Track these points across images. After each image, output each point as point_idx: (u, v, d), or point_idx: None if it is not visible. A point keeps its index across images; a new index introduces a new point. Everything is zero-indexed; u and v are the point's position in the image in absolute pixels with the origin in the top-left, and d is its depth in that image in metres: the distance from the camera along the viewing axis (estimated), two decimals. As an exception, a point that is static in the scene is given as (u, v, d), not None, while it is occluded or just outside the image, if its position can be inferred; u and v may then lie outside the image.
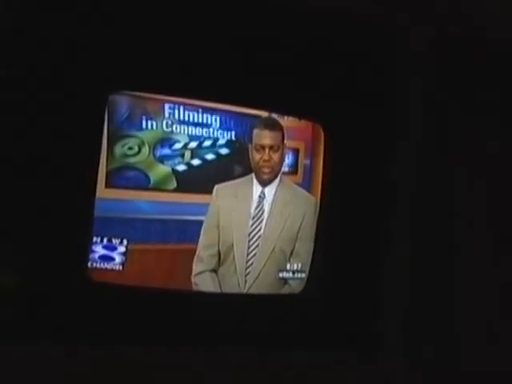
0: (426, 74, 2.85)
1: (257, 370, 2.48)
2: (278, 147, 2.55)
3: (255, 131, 2.53)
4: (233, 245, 2.52)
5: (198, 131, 2.45)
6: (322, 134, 2.62)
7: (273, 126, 2.56)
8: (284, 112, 2.58)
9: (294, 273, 2.58)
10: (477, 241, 2.83)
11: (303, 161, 2.64)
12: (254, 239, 2.53)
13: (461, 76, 2.85)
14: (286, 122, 2.60)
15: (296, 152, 2.63)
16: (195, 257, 2.47)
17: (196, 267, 2.47)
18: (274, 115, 2.58)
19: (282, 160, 2.58)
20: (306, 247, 2.61)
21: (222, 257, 2.52)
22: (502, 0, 2.62)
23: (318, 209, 2.62)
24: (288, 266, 2.57)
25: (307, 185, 2.64)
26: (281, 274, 2.56)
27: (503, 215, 2.85)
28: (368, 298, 2.76)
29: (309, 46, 2.63)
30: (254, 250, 2.53)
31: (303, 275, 2.59)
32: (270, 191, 2.57)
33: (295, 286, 2.60)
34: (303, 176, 2.63)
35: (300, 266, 2.59)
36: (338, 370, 2.63)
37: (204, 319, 2.44)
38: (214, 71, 2.45)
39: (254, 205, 2.55)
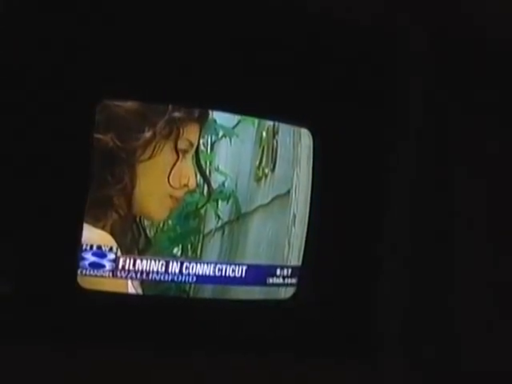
0: (426, 74, 2.84)
1: (255, 374, 2.51)
2: None
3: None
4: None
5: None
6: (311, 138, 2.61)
7: None
8: (277, 119, 2.58)
9: (284, 278, 2.59)
10: (477, 241, 2.83)
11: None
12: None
13: (461, 76, 2.84)
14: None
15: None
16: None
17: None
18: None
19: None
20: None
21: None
22: (502, 0, 2.60)
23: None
24: (278, 272, 2.58)
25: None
26: (271, 280, 2.57)
27: (503, 215, 2.84)
28: (367, 299, 2.76)
29: (303, 48, 2.63)
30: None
31: (294, 280, 2.60)
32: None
33: (287, 291, 2.61)
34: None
35: (290, 271, 2.60)
36: (337, 371, 2.64)
37: (196, 324, 2.46)
38: (200, 77, 2.45)
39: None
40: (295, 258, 2.60)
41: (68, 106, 2.26)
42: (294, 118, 2.59)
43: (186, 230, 2.49)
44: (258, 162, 2.57)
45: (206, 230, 2.52)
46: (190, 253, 2.48)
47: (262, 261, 2.58)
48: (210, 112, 2.46)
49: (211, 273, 2.46)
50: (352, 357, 2.70)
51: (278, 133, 2.58)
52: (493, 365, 2.72)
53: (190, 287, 2.46)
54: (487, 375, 2.69)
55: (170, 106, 2.37)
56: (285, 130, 2.60)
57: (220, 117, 2.48)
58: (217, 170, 2.50)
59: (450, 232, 2.85)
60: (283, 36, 2.58)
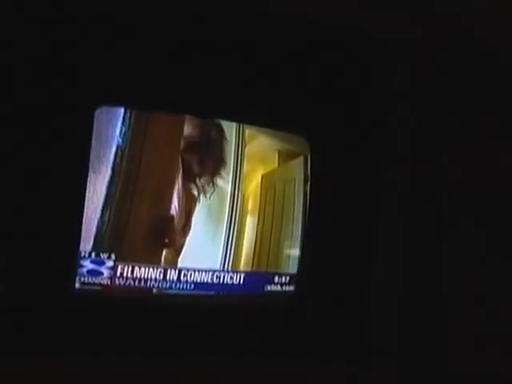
0: (424, 75, 2.83)
1: (253, 378, 2.52)
2: None
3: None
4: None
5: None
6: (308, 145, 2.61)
7: None
8: (268, 125, 2.57)
9: (282, 285, 2.58)
10: (467, 245, 2.83)
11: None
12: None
13: (460, 76, 2.83)
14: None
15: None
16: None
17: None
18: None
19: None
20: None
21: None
22: (502, 1, 2.58)
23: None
24: (276, 279, 2.57)
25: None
26: (269, 287, 2.56)
27: (500, 218, 2.84)
28: (362, 304, 2.79)
29: (300, 58, 2.63)
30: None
31: (291, 288, 2.60)
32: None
33: (284, 298, 2.62)
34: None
35: (288, 279, 2.60)
36: (333, 373, 2.66)
37: (192, 331, 2.45)
38: (197, 85, 2.44)
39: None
40: (293, 265, 2.60)
41: (65, 112, 2.24)
42: (291, 127, 2.59)
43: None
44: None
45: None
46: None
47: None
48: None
49: (209, 280, 2.45)
50: (348, 359, 2.73)
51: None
52: (480, 365, 2.73)
53: (188, 294, 2.44)
54: (481, 378, 2.71)
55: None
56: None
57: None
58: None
59: (441, 234, 2.85)
60: (280, 46, 2.59)
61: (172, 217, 2.39)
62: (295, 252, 2.61)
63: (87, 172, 2.24)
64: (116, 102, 2.31)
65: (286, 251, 2.62)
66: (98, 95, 2.26)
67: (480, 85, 2.82)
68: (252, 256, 2.55)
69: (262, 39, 2.54)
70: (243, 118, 2.51)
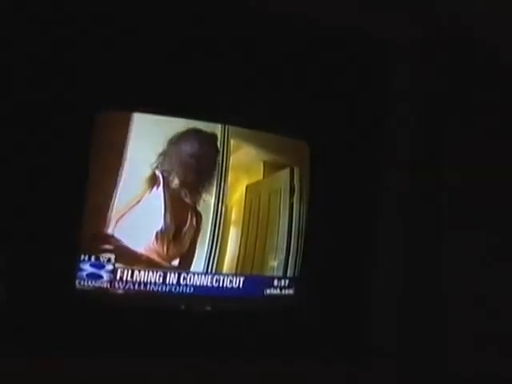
0: (424, 75, 2.82)
1: (254, 380, 2.52)
2: None
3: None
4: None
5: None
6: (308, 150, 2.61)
7: None
8: (269, 130, 2.56)
9: (281, 289, 2.58)
10: (467, 245, 2.82)
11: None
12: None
13: (460, 76, 2.82)
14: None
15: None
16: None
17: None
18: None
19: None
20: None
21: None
22: (502, 1, 2.57)
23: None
24: (275, 283, 2.57)
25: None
26: (268, 291, 2.56)
27: (500, 218, 2.83)
28: (360, 306, 2.79)
29: (300, 60, 2.63)
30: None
31: (291, 291, 2.60)
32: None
33: (284, 301, 2.61)
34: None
35: (287, 282, 2.60)
36: (332, 379, 2.66)
37: (192, 334, 2.45)
38: (197, 90, 2.44)
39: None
40: (292, 269, 2.60)
41: (65, 112, 2.25)
42: (292, 130, 2.59)
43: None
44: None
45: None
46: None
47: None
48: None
49: (209, 284, 2.45)
50: (348, 359, 2.73)
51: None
52: (480, 365, 2.73)
53: (187, 298, 2.44)
54: (475, 375, 2.70)
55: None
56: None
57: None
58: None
59: (441, 237, 2.84)
60: (280, 46, 2.59)
61: (109, 235, 2.33)
62: (280, 263, 2.60)
63: (87, 173, 2.24)
64: (117, 104, 2.30)
65: (271, 263, 2.60)
66: (99, 97, 2.27)
67: (480, 85, 2.81)
68: (235, 267, 2.52)
69: (262, 39, 2.53)
70: (242, 119, 2.50)
